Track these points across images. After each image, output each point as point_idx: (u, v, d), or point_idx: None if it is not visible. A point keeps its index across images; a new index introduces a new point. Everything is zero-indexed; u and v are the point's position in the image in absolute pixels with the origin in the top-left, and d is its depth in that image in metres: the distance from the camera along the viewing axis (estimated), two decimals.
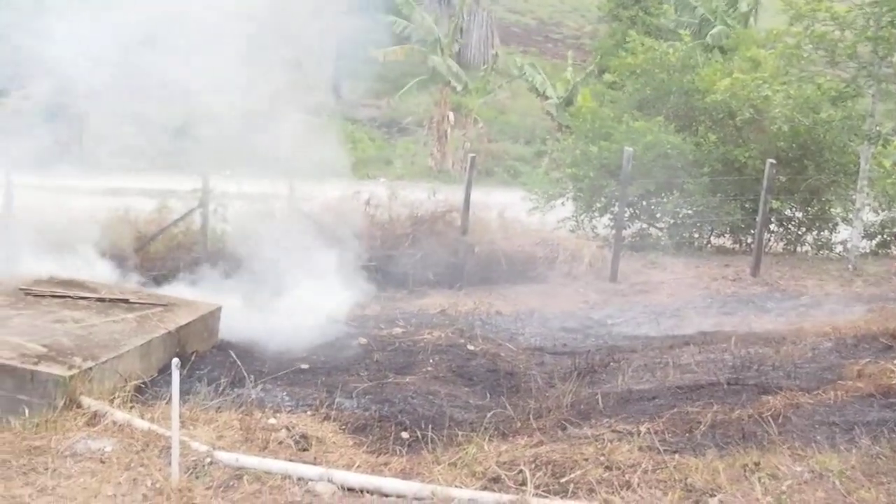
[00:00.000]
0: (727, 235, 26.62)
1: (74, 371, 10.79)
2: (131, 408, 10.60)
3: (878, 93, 24.18)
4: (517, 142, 46.72)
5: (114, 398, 10.71)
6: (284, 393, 12.10)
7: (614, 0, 53.54)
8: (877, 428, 10.19)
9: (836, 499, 8.24)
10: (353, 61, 19.70)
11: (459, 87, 45.47)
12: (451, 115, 42.75)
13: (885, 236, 25.81)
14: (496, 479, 8.93)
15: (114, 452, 9.17)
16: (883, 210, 26.37)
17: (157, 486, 8.51)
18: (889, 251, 24.73)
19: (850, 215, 24.94)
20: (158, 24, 17.50)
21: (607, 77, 30.59)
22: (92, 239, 17.93)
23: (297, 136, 18.53)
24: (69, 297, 13.86)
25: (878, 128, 24.31)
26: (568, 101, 43.84)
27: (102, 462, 8.96)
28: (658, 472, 8.99)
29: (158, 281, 17.71)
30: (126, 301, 13.83)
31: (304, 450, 9.89)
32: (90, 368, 11.02)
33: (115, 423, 9.93)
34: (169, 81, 17.39)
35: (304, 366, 13.50)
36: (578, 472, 8.93)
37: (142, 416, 10.22)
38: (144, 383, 11.82)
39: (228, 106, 17.57)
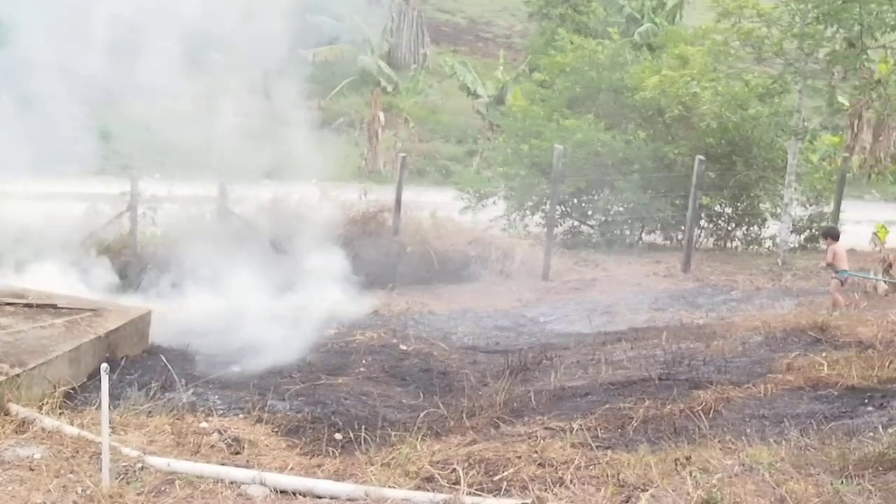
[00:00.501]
0: (658, 232, 26.80)
1: (2, 378, 10.64)
2: (61, 414, 10.48)
3: (805, 89, 24.48)
4: (448, 141, 46.70)
5: (43, 405, 10.58)
6: (216, 396, 12.02)
7: None
8: (806, 420, 10.29)
9: (766, 491, 8.30)
10: (283, 62, 19.57)
11: (390, 88, 45.47)
12: (382, 116, 42.69)
13: (813, 231, 26.09)
14: (430, 479, 8.91)
15: (43, 459, 9.07)
16: (811, 205, 26.69)
17: (88, 492, 8.42)
18: (817, 245, 24.98)
19: (779, 210, 25.23)
20: (86, 26, 17.37)
21: (537, 76, 30.71)
22: (20, 244, 17.78)
23: (228, 138, 18.45)
24: None
25: (805, 123, 24.62)
26: (499, 100, 44.00)
27: (32, 469, 8.87)
28: (591, 468, 9.02)
29: (88, 285, 17.56)
30: (54, 306, 13.69)
31: (237, 453, 9.84)
32: (18, 375, 10.88)
33: (44, 429, 9.81)
34: (97, 84, 17.28)
35: (237, 368, 13.44)
36: (511, 470, 8.93)
37: (71, 423, 10.10)
38: (74, 389, 11.68)
39: (158, 108, 17.50)
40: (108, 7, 17.48)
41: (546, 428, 10.62)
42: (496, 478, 8.83)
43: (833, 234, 18.66)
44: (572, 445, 9.72)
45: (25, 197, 19.61)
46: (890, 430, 9.45)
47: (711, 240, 26.96)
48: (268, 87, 20.54)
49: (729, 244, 26.90)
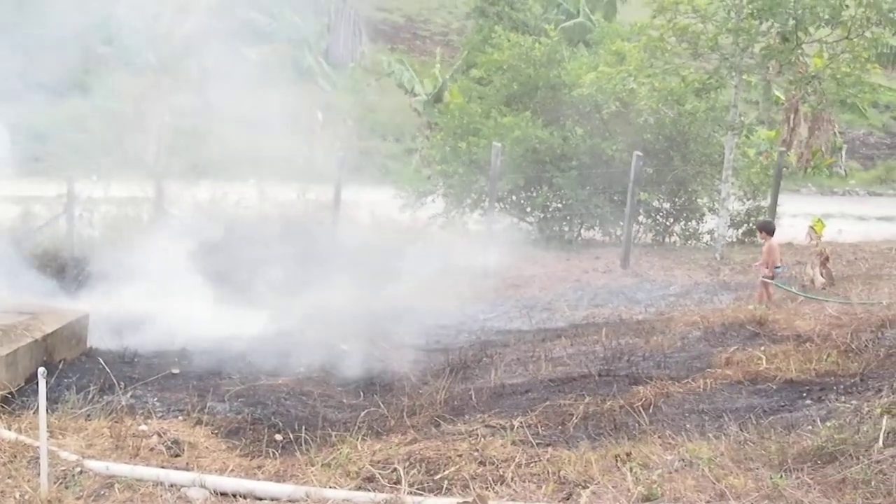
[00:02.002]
0: (597, 228, 26.84)
1: None
2: None
3: (741, 84, 24.64)
4: (387, 139, 46.62)
5: None
6: (155, 398, 11.95)
7: None
8: (745, 414, 10.35)
9: (706, 486, 8.35)
10: (218, 60, 19.48)
11: (328, 86, 45.32)
12: (320, 114, 42.54)
13: (750, 225, 26.23)
14: (370, 479, 8.90)
15: None
16: (748, 199, 26.84)
17: (26, 497, 8.35)
18: (755, 239, 25.11)
19: (716, 205, 25.36)
20: (19, 23, 17.22)
21: (475, 73, 30.65)
22: None
23: (163, 137, 18.35)
24: None
25: (741, 118, 24.80)
26: (437, 98, 43.94)
27: None
28: (531, 465, 9.04)
29: (24, 289, 17.39)
30: None
31: (177, 455, 9.78)
32: None
33: None
34: (33, 84, 17.14)
35: (176, 370, 13.36)
36: (452, 469, 8.93)
37: (8, 427, 10.01)
38: (11, 393, 11.58)
39: (93, 109, 17.37)
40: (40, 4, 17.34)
41: (486, 426, 10.63)
42: (437, 477, 8.84)
43: (768, 229, 18.78)
44: (513, 443, 9.73)
45: None
46: (828, 424, 9.53)
47: (650, 235, 27.02)
48: (204, 85, 20.43)
49: (667, 239, 26.99)
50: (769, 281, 18.06)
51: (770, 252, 18.08)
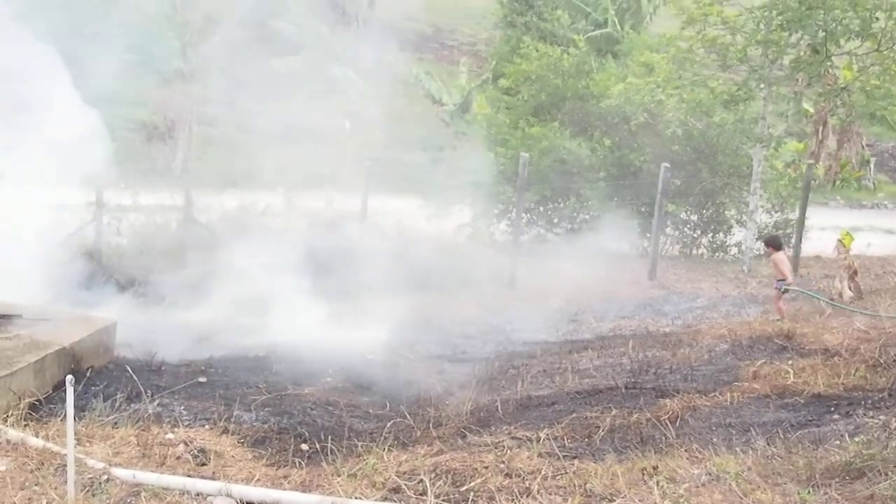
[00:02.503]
0: (624, 239, 26.80)
1: None
2: (25, 426, 10.40)
3: (770, 96, 24.58)
4: (414, 149, 46.68)
5: (7, 416, 10.50)
6: (182, 407, 11.95)
7: (508, 6, 53.72)
8: (772, 429, 10.30)
9: (733, 500, 8.31)
10: (247, 71, 19.55)
11: (355, 96, 45.36)
12: (348, 124, 42.61)
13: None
14: (396, 490, 8.89)
15: (8, 471, 9.00)
16: (776, 212, 26.75)
17: None
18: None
19: (744, 217, 25.29)
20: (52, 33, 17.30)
21: (503, 83, 30.69)
22: None
23: (193, 146, 18.41)
24: None
25: (769, 130, 24.74)
26: (464, 108, 43.97)
27: None
28: (558, 477, 9.01)
29: (53, 296, 17.44)
30: (18, 317, 13.61)
31: (203, 464, 9.78)
32: None
33: (8, 441, 9.73)
34: (62, 93, 17.19)
35: (203, 379, 13.36)
36: (479, 480, 8.92)
37: (36, 434, 10.03)
38: (39, 401, 11.57)
39: (120, 118, 17.41)
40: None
41: (513, 438, 10.60)
42: (463, 488, 8.82)
43: (775, 244, 18.66)
44: (539, 455, 9.70)
45: None
46: (856, 439, 9.47)
47: (677, 247, 27.00)
48: (233, 96, 20.49)
49: (694, 251, 26.95)
50: (797, 290, 18.01)
51: (778, 266, 18.00)
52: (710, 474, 8.84)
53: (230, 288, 17.52)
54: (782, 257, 18.23)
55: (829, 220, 29.17)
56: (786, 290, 17.48)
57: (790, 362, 13.03)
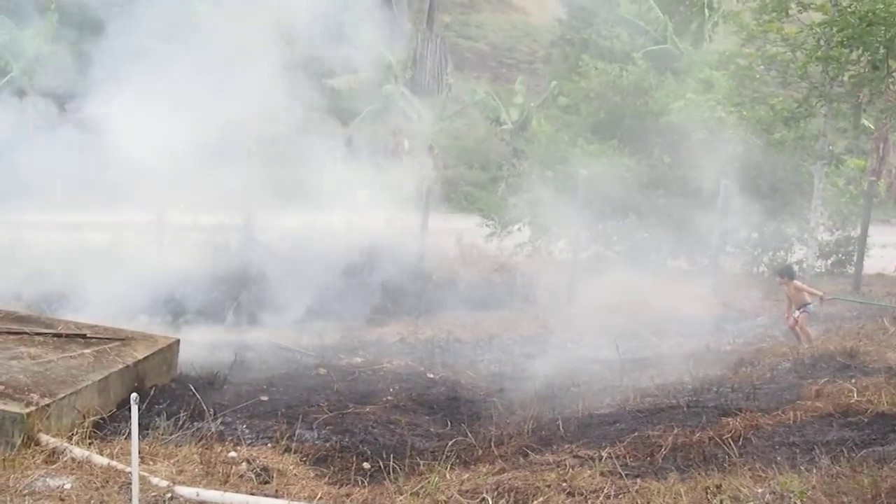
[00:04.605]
0: (683, 257, 26.71)
1: (32, 408, 10.65)
2: (90, 444, 10.48)
3: (830, 112, 24.42)
4: (473, 167, 46.76)
5: (72, 434, 10.58)
6: (244, 425, 12.00)
7: (566, 24, 53.80)
8: (836, 447, 10.22)
9: None
10: (305, 89, 19.66)
11: (414, 115, 45.53)
12: (406, 143, 42.75)
13: (839, 255, 26.00)
14: None
15: (73, 489, 9.07)
16: (837, 229, 26.57)
17: None
18: (844, 270, 24.90)
19: (805, 235, 25.12)
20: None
21: (562, 101, 30.72)
22: (48, 274, 17.85)
23: (252, 166, 18.51)
24: (25, 332, 13.67)
25: (830, 147, 24.55)
26: (522, 127, 44.01)
27: (62, 500, 8.87)
28: (620, 496, 8.98)
29: (116, 315, 17.57)
30: (83, 336, 13.68)
31: (266, 483, 9.82)
32: (48, 405, 10.89)
33: (73, 459, 9.81)
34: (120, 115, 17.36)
35: (264, 398, 13.41)
36: (541, 499, 8.91)
37: (101, 452, 10.10)
38: (103, 419, 11.67)
39: (181, 139, 17.53)
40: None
41: (575, 456, 10.58)
42: None
43: (789, 273, 18.66)
44: (601, 474, 9.67)
45: (51, 226, 19.70)
46: None
47: (738, 265, 26.86)
48: (291, 116, 20.58)
49: (755, 269, 26.80)
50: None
51: (798, 292, 17.92)
52: (774, 493, 8.78)
53: (288, 306, 17.64)
54: (799, 284, 18.23)
55: (891, 237, 28.89)
56: (810, 312, 17.52)
57: (853, 381, 12.93)
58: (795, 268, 20.18)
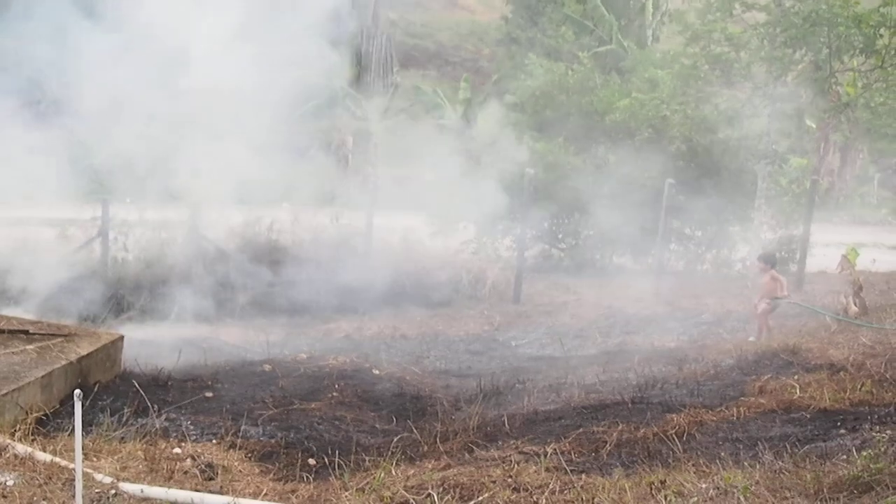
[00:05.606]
0: (628, 255, 26.81)
1: None
2: (33, 440, 10.38)
3: (774, 112, 24.59)
4: (418, 165, 46.73)
5: (15, 431, 10.49)
6: (189, 422, 11.96)
7: (512, 23, 53.86)
8: (779, 443, 10.29)
9: None
10: (246, 85, 19.58)
11: (358, 112, 45.41)
12: (351, 140, 42.66)
13: (782, 253, 26.15)
14: None
15: (16, 486, 8.99)
16: (780, 228, 26.73)
17: None
18: (787, 268, 25.05)
19: (749, 233, 25.28)
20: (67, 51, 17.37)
21: (508, 99, 30.74)
22: None
23: (198, 161, 18.42)
24: None
25: (774, 147, 24.72)
26: (467, 125, 43.99)
27: (4, 497, 8.79)
28: (565, 492, 9.00)
29: (59, 311, 17.45)
30: (25, 332, 13.59)
31: (211, 479, 9.76)
32: None
33: (16, 456, 9.71)
34: (71, 110, 17.24)
35: (209, 394, 13.36)
36: (486, 495, 8.91)
37: (44, 449, 10.01)
38: (46, 415, 11.59)
39: (129, 133, 17.43)
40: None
41: (520, 452, 10.60)
42: (471, 503, 8.81)
43: (771, 261, 18.75)
44: (547, 470, 9.69)
45: None
46: (863, 454, 9.46)
47: (681, 263, 26.99)
48: (237, 111, 20.48)
49: (699, 267, 26.93)
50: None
51: (773, 281, 18.05)
52: (718, 488, 8.83)
53: (232, 304, 17.58)
54: (778, 276, 18.33)
55: (833, 236, 29.15)
56: (776, 307, 17.60)
57: (796, 377, 13.03)
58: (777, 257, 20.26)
